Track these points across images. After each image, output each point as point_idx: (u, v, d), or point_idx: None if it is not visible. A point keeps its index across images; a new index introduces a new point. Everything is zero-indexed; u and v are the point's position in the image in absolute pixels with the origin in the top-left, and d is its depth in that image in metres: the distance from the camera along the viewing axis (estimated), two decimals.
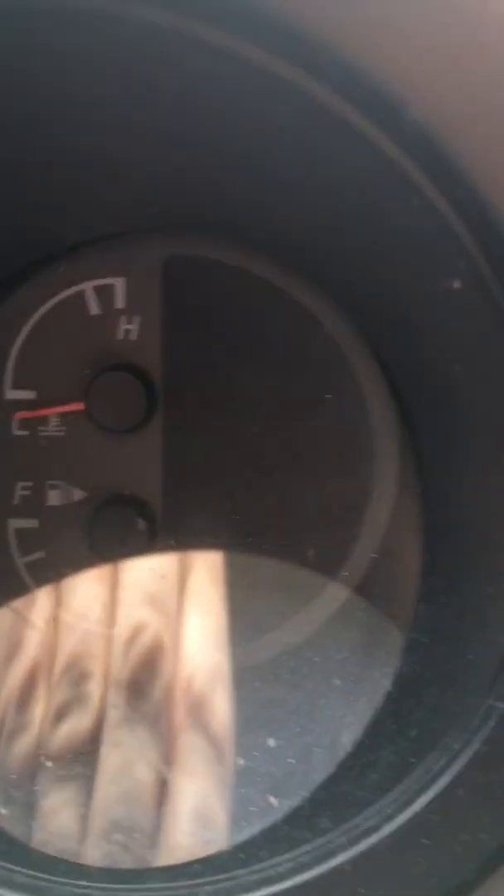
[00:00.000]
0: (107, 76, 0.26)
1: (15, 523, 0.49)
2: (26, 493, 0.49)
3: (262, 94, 0.22)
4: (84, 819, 0.38)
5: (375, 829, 0.34)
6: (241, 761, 0.40)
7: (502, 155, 0.21)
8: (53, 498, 0.49)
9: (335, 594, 0.46)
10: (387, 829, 0.34)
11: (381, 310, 0.36)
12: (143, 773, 0.39)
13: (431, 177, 0.22)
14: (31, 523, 0.49)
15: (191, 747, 0.40)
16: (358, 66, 0.20)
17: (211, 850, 0.37)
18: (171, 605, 0.45)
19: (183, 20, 0.20)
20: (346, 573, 0.46)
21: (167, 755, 0.40)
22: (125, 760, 0.40)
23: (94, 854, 0.37)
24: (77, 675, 0.44)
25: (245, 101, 0.23)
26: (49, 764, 0.40)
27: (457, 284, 0.25)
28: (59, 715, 0.42)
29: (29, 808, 0.38)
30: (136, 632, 0.44)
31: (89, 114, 0.29)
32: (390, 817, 0.34)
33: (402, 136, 0.21)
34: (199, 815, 0.38)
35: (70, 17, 0.23)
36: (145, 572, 0.47)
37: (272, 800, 0.39)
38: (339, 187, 0.26)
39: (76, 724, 0.42)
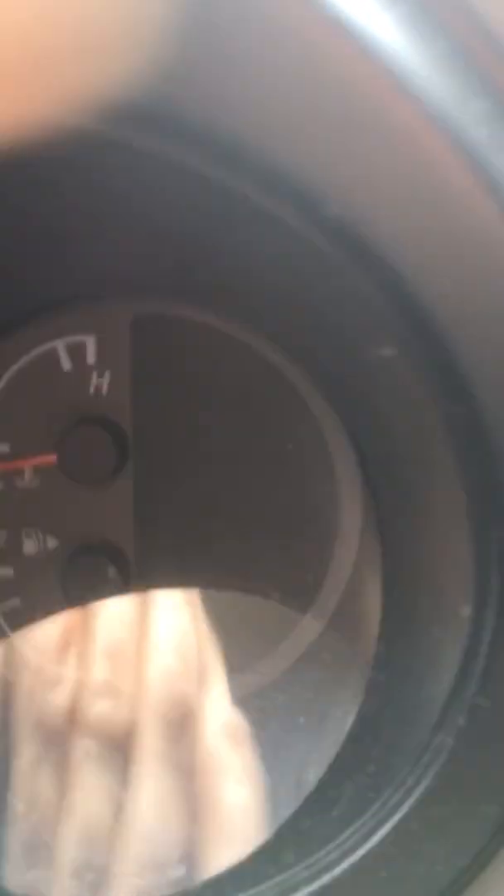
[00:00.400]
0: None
1: None
2: (1, 542, 0.51)
3: (193, 190, 0.24)
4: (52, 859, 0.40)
5: (337, 862, 0.35)
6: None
7: (412, 240, 0.23)
8: (28, 547, 0.51)
9: (301, 636, 0.48)
10: (347, 863, 0.35)
11: (331, 370, 0.39)
12: (108, 811, 0.41)
13: (353, 260, 0.24)
14: (6, 571, 0.51)
15: (162, 787, 0.42)
16: (279, 168, 0.22)
17: (178, 887, 0.38)
18: (136, 651, 0.46)
19: (115, 128, 0.23)
20: (312, 616, 0.48)
21: (131, 793, 0.41)
22: (91, 801, 0.41)
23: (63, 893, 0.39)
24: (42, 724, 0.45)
25: (181, 199, 0.26)
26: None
27: (387, 353, 0.27)
28: (35, 767, 0.44)
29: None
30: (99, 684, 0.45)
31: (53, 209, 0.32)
32: (350, 851, 0.36)
33: (324, 228, 0.23)
34: (167, 853, 0.40)
35: None
36: (115, 618, 0.48)
37: (244, 837, 0.40)
38: (280, 271, 0.28)
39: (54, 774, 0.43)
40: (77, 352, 0.50)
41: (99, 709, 0.45)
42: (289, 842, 0.39)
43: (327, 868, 0.36)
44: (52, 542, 0.51)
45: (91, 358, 0.50)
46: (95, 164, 0.28)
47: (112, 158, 0.26)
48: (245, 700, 0.45)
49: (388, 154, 0.22)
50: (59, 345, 0.50)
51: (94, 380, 0.50)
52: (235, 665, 0.46)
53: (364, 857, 0.35)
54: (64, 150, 0.26)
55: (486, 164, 0.23)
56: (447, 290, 0.25)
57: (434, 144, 0.22)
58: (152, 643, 0.48)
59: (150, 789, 0.41)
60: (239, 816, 0.41)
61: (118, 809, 0.41)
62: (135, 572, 0.50)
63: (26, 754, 0.44)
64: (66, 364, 0.50)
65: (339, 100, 0.22)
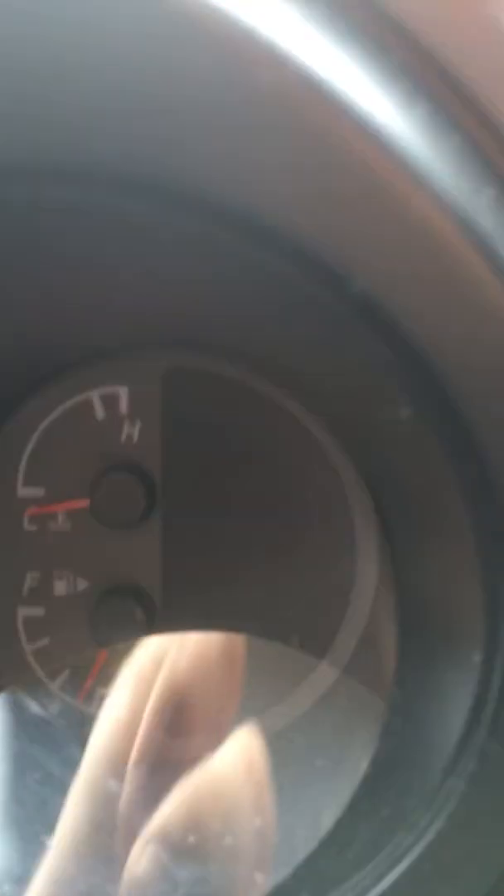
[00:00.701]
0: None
1: (23, 611, 0.53)
2: (34, 583, 0.53)
3: (228, 263, 0.27)
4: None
5: None
6: (229, 840, 0.42)
7: (428, 315, 0.26)
8: (59, 588, 0.53)
9: (319, 681, 0.49)
10: None
11: (352, 427, 0.41)
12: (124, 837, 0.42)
13: (376, 332, 0.26)
14: (38, 611, 0.53)
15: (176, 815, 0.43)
16: (311, 248, 0.25)
17: None
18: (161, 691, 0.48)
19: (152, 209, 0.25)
20: (329, 661, 0.50)
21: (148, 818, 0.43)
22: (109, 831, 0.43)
23: None
24: None
25: (217, 270, 0.28)
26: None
27: (404, 414, 0.29)
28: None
29: None
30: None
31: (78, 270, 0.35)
32: (364, 892, 0.37)
33: (351, 303, 0.25)
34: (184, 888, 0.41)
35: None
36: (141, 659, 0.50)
37: (258, 876, 0.42)
38: (301, 341, 0.31)
39: None
40: (111, 402, 0.53)
41: (122, 746, 0.47)
42: (305, 881, 0.40)
43: None
44: (81, 584, 0.53)
45: (124, 408, 0.53)
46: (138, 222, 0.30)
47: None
48: (264, 742, 0.47)
49: (405, 238, 0.25)
50: (94, 395, 0.53)
51: (126, 428, 0.53)
52: (255, 708, 0.47)
53: None
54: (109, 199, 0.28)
55: (493, 249, 0.25)
56: (461, 361, 0.27)
57: (447, 231, 0.25)
58: (175, 684, 0.49)
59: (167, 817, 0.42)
60: (255, 849, 0.42)
61: (134, 836, 0.42)
62: (161, 615, 0.52)
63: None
64: (100, 413, 0.53)
65: (363, 191, 0.24)
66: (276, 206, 0.25)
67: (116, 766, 0.44)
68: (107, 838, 0.43)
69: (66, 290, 0.43)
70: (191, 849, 0.42)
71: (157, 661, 0.47)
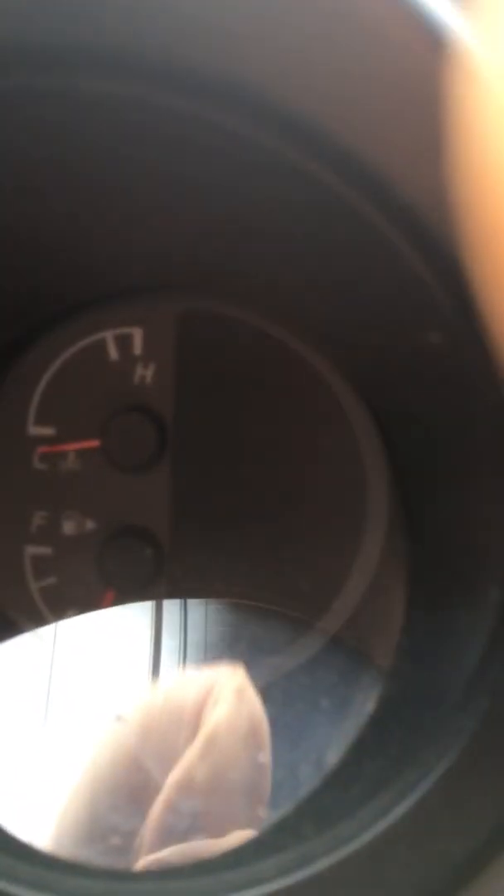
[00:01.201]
0: (116, 159, 0.30)
1: (31, 550, 0.53)
2: (42, 522, 0.53)
3: (262, 171, 0.26)
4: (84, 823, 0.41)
5: (355, 836, 0.37)
6: (231, 774, 0.42)
7: (475, 232, 0.25)
8: (67, 528, 0.53)
9: (327, 624, 0.49)
10: (365, 838, 0.37)
11: (374, 366, 0.41)
12: (136, 779, 0.42)
13: (417, 250, 0.26)
14: (45, 550, 0.53)
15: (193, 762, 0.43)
16: (354, 153, 0.24)
17: (199, 856, 0.39)
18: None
19: (187, 101, 0.25)
20: (338, 605, 0.49)
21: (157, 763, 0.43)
22: (119, 770, 0.43)
23: (90, 854, 0.40)
24: None
25: (245, 178, 0.28)
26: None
27: (435, 339, 0.29)
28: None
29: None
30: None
31: (101, 194, 0.34)
32: (369, 826, 0.37)
33: (392, 216, 0.25)
34: (188, 821, 0.41)
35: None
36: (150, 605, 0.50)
37: (260, 811, 0.42)
38: (337, 259, 0.30)
39: None
40: (125, 343, 0.52)
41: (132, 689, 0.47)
42: (308, 816, 0.40)
43: (346, 841, 0.37)
44: (90, 524, 0.53)
45: (138, 349, 0.52)
46: (169, 141, 0.29)
47: (180, 134, 0.27)
48: (272, 683, 0.47)
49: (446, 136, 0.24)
50: (109, 335, 0.52)
51: (139, 370, 0.53)
52: (263, 648, 0.48)
53: (383, 832, 0.36)
54: (130, 123, 0.27)
55: None
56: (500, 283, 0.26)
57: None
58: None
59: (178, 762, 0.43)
60: (260, 783, 0.42)
61: (146, 777, 0.43)
62: (168, 556, 0.52)
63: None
64: (114, 354, 0.52)
65: (409, 99, 0.24)
66: (320, 105, 0.24)
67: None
68: (125, 776, 0.43)
69: (89, 217, 0.42)
70: (196, 784, 0.42)
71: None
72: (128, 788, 0.43)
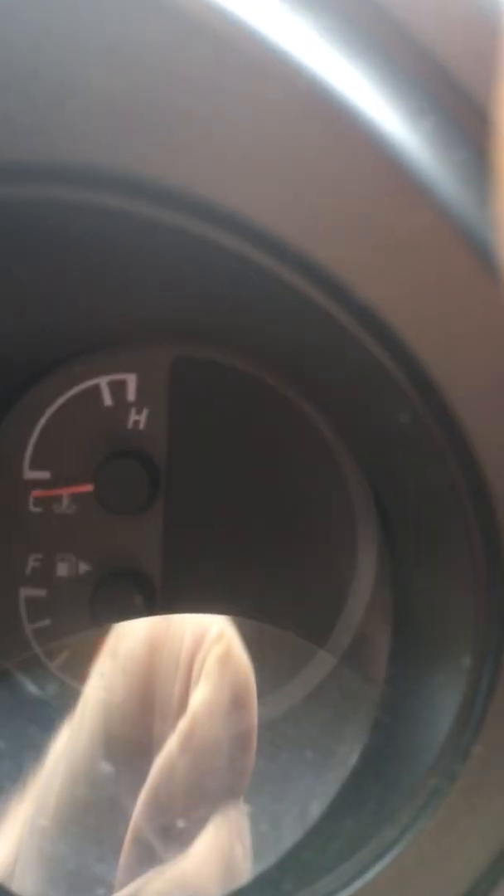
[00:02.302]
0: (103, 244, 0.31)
1: (26, 592, 0.54)
2: (37, 564, 0.54)
3: (237, 272, 0.27)
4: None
5: (333, 894, 0.37)
6: (212, 825, 0.43)
7: (432, 328, 0.26)
8: (61, 570, 0.54)
9: (312, 674, 0.50)
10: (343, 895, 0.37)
11: (356, 428, 0.41)
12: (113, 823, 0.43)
13: (375, 338, 0.27)
14: (40, 592, 0.54)
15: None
16: (313, 259, 0.25)
17: None
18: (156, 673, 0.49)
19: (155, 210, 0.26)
20: (323, 655, 0.50)
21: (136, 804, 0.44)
22: (100, 814, 0.43)
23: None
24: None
25: (224, 278, 0.29)
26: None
27: (403, 419, 0.30)
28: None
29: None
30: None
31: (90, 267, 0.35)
32: (347, 884, 0.37)
33: (351, 311, 0.26)
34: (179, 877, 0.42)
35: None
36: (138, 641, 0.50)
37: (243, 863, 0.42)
38: (307, 337, 0.31)
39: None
40: (119, 389, 0.53)
41: (119, 727, 0.47)
42: (289, 871, 0.40)
43: None
44: (84, 567, 0.54)
45: (131, 395, 0.53)
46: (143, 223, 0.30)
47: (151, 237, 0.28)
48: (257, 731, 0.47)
49: (406, 253, 0.25)
50: (102, 381, 0.53)
51: (133, 416, 0.53)
52: None
53: (359, 890, 0.37)
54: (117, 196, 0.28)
55: (491, 263, 0.25)
56: (456, 369, 0.27)
57: (448, 246, 0.25)
58: (172, 666, 0.50)
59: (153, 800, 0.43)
60: (242, 836, 0.42)
61: (123, 822, 0.43)
62: (161, 600, 0.52)
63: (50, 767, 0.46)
64: (108, 400, 0.53)
65: (364, 206, 0.24)
66: (279, 217, 0.25)
67: (110, 748, 0.45)
68: (98, 819, 0.43)
69: (77, 283, 0.43)
70: (177, 833, 0.43)
71: (151, 644, 0.48)
72: (98, 828, 0.43)
